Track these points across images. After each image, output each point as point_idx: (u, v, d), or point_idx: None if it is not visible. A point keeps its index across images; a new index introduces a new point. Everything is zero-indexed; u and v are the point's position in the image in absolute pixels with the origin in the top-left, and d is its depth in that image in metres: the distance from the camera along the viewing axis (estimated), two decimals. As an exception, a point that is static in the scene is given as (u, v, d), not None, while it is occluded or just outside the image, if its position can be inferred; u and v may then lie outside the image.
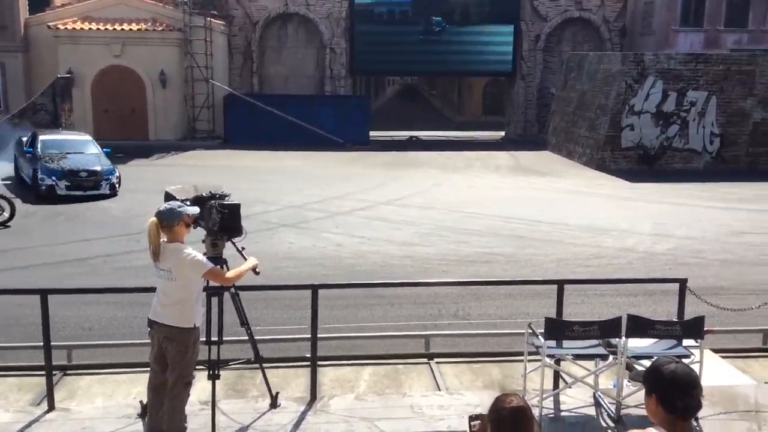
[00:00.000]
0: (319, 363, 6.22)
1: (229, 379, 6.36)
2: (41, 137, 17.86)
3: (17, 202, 14.66)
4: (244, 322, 5.69)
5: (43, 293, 5.57)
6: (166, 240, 4.93)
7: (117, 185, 17.02)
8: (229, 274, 5.13)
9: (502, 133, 32.49)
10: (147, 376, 6.37)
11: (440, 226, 14.19)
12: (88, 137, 19.02)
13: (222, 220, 5.28)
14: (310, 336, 6.18)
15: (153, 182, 18.60)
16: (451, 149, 27.42)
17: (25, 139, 18.29)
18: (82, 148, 17.90)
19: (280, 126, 26.09)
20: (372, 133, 28.75)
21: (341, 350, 7.43)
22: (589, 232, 13.69)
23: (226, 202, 5.41)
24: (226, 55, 29.10)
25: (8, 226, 13.54)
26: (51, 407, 5.67)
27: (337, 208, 16.01)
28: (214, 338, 5.36)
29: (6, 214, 13.69)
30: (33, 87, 26.09)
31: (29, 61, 26.77)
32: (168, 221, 4.87)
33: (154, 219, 4.89)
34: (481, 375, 6.84)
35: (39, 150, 17.18)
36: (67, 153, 17.27)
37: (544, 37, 30.38)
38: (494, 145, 29.37)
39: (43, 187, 16.14)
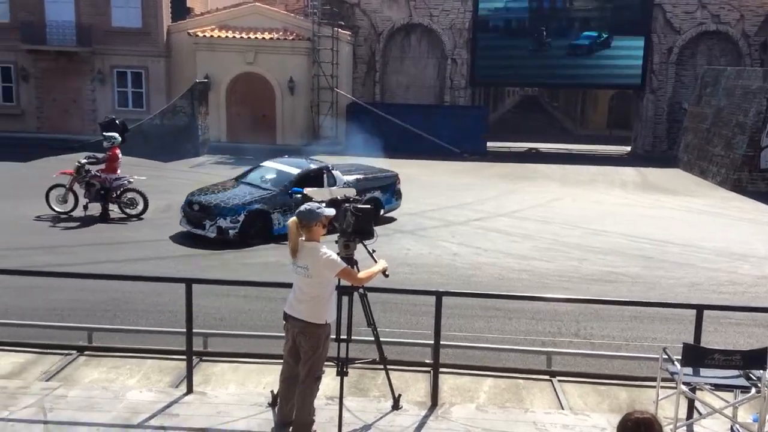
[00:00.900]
0: (441, 370, 6.25)
1: (352, 377, 6.49)
2: (261, 163, 15.14)
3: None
4: (370, 323, 5.82)
5: (188, 282, 5.93)
6: (304, 239, 5.14)
7: (230, 231, 12.71)
8: (361, 274, 5.27)
9: (628, 149, 31.28)
10: (276, 367, 6.66)
11: (560, 241, 13.85)
12: (294, 170, 14.16)
13: (356, 223, 5.44)
14: (432, 342, 6.23)
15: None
16: (572, 163, 26.69)
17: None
18: (268, 181, 14.05)
19: (399, 134, 26.40)
20: (489, 144, 28.55)
21: (457, 359, 7.42)
22: (724, 256, 12.89)
23: (360, 206, 5.57)
24: (351, 64, 29.85)
25: (142, 218, 14.57)
26: (189, 390, 6.03)
27: (454, 218, 16.00)
28: (343, 336, 5.51)
29: (140, 207, 14.73)
30: (172, 90, 27.91)
31: (170, 66, 28.63)
32: (307, 221, 5.09)
33: (294, 218, 5.13)
34: (607, 398, 6.60)
35: (244, 178, 14.59)
36: (247, 184, 14.13)
37: (677, 50, 28.99)
38: (619, 161, 28.30)
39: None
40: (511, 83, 37.07)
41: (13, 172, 19.84)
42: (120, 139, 15.07)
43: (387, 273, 5.48)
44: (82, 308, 8.93)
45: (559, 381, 6.82)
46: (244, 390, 6.33)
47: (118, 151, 14.85)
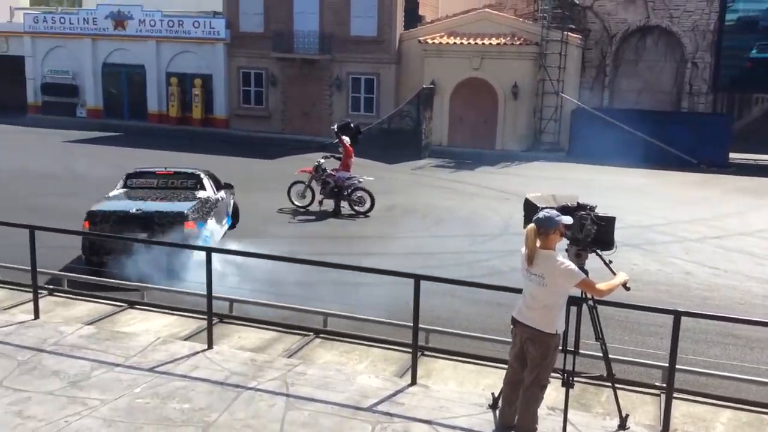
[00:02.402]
0: (674, 395, 5.85)
1: (575, 390, 6.32)
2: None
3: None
4: (599, 337, 5.62)
5: (417, 278, 6.20)
6: (539, 246, 5.09)
7: None
8: (601, 286, 5.08)
9: None
10: (494, 370, 6.73)
11: (817, 267, 12.23)
12: None
13: (597, 233, 5.26)
14: (665, 364, 5.86)
15: (495, 189, 19.54)
16: (834, 180, 23.36)
17: None
18: None
19: (626, 142, 24.95)
20: (732, 155, 25.97)
21: (687, 385, 6.88)
22: None
23: (601, 215, 5.37)
24: (579, 68, 28.93)
25: (368, 216, 15.45)
26: (413, 381, 6.29)
27: (687, 234, 14.84)
28: (570, 348, 5.39)
29: (367, 205, 15.65)
30: (400, 95, 29.17)
31: (399, 72, 29.95)
32: (545, 228, 5.03)
33: (533, 225, 5.09)
34: None
35: None
36: None
37: None
38: None
39: None
40: (763, 90, 33.24)
41: (262, 168, 22.17)
42: (348, 140, 16.27)
43: (628, 286, 5.25)
44: (316, 295, 9.69)
45: (814, 423, 6.05)
46: (464, 388, 6.45)
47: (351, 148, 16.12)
